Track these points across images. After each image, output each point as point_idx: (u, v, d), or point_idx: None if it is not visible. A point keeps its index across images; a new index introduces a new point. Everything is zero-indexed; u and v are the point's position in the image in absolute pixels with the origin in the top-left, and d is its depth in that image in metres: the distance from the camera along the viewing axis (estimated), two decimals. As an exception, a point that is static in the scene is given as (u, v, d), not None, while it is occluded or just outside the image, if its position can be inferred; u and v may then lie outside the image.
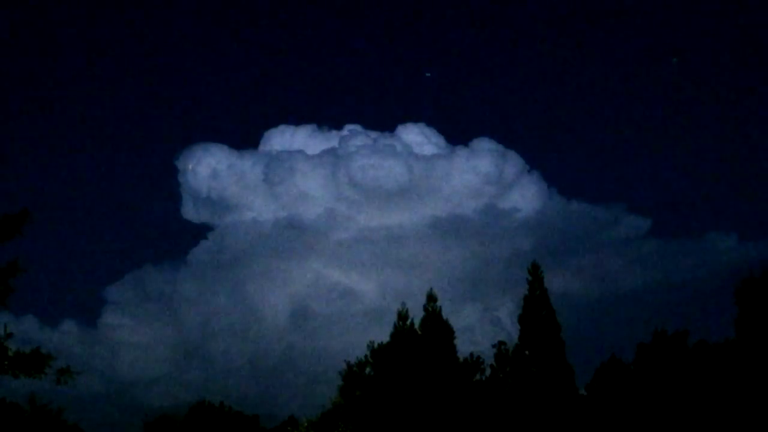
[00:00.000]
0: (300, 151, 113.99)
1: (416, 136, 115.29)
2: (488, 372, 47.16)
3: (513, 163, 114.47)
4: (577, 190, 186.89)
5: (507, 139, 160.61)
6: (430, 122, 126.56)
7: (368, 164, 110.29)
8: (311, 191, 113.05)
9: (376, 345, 47.94)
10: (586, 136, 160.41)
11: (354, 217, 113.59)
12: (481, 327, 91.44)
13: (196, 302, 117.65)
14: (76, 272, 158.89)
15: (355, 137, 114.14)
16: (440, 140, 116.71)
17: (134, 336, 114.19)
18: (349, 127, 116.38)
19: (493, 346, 47.02)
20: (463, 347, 48.75)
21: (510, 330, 46.82)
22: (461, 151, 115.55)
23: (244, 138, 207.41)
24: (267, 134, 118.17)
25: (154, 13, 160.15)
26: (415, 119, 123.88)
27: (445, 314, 46.91)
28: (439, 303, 46.60)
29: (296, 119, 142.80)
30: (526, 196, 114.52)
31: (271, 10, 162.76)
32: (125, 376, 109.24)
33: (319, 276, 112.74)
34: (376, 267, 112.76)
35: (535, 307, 45.55)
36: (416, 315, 46.93)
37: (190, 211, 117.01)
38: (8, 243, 18.85)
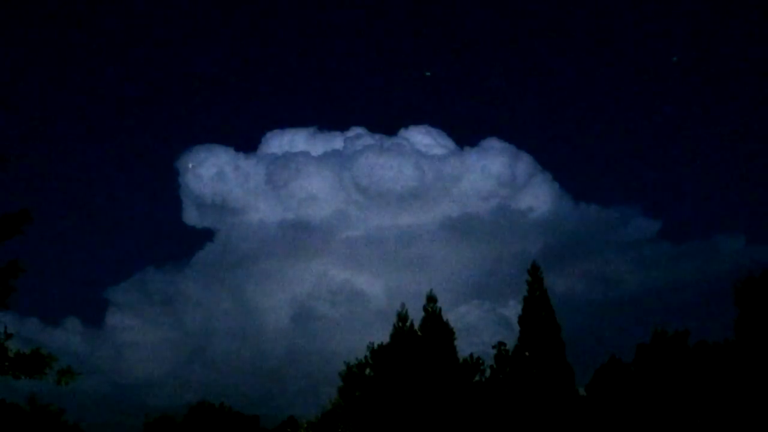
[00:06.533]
0: (303, 153, 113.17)
1: (422, 138, 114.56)
2: (488, 373, 47.22)
3: (525, 164, 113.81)
4: (589, 191, 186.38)
5: (517, 140, 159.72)
6: (434, 124, 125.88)
7: (376, 166, 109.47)
8: (316, 193, 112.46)
9: (375, 346, 47.95)
10: (597, 138, 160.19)
11: (362, 219, 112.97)
12: (488, 327, 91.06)
13: (199, 304, 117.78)
14: (79, 274, 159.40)
15: (361, 139, 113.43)
16: (448, 141, 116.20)
17: (137, 337, 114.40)
18: (353, 129, 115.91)
19: (493, 347, 47.03)
20: (471, 347, 48.87)
21: (517, 330, 46.79)
22: (471, 152, 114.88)
23: (244, 140, 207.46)
24: (267, 137, 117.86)
25: (155, 14, 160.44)
26: (418, 121, 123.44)
27: (453, 315, 47.05)
28: (439, 304, 46.66)
29: (295, 122, 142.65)
30: (538, 197, 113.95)
31: (272, 12, 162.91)
32: (128, 377, 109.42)
33: (324, 278, 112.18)
34: (384, 268, 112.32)
35: (535, 308, 45.55)
36: (420, 316, 47.09)
37: (190, 215, 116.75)
38: (9, 243, 18.91)
